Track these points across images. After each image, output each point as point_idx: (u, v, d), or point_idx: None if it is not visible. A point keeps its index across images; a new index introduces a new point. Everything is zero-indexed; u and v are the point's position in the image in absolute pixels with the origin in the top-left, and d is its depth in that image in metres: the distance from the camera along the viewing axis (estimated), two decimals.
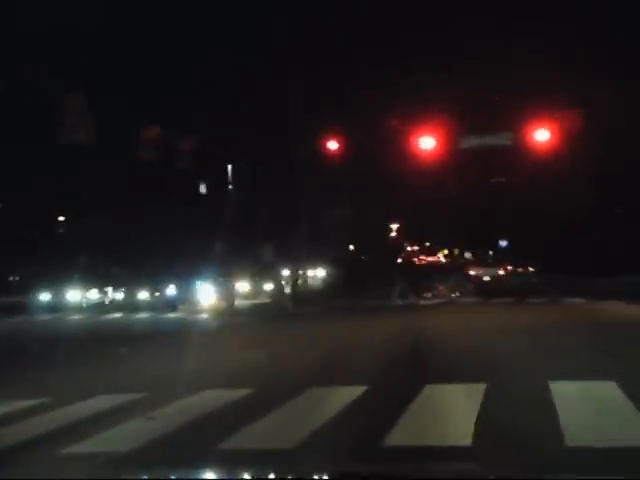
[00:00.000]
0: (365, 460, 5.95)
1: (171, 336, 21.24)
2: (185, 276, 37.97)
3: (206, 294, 36.81)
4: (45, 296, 46.14)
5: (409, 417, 7.41)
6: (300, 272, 46.90)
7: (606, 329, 16.16)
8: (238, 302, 37.30)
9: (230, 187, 31.91)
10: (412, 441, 6.49)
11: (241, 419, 7.58)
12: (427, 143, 24.36)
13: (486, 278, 49.73)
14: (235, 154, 31.37)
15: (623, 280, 27.22)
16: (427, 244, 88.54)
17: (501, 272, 52.44)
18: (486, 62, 27.82)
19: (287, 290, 40.92)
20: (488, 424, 6.92)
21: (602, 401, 7.73)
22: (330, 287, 46.32)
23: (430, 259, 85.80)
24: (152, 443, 6.90)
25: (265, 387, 9.70)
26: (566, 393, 8.15)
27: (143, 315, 34.61)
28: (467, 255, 77.80)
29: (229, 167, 31.55)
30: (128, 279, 45.77)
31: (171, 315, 33.50)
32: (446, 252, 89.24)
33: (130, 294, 44.83)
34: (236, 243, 34.65)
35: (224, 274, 37.47)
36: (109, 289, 48.07)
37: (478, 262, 60.78)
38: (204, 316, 31.49)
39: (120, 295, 46.81)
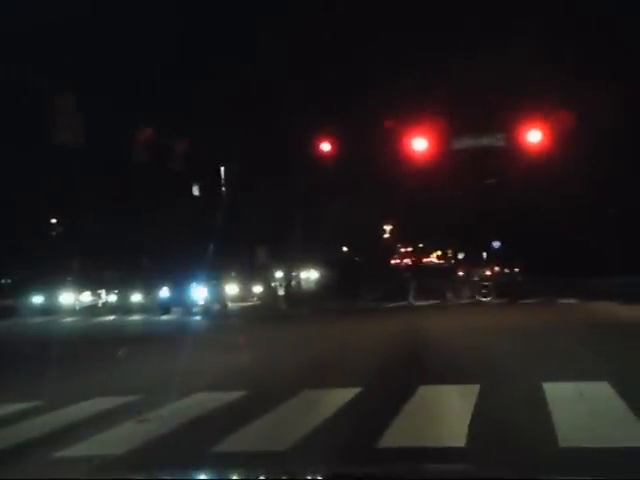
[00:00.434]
0: (359, 462, 5.95)
1: (164, 338, 21.20)
2: (178, 278, 37.91)
3: (199, 296, 36.77)
4: (38, 299, 46.05)
5: (403, 418, 7.41)
6: (293, 274, 46.92)
7: (599, 329, 16.20)
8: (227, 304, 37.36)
9: (223, 189, 31.82)
10: (406, 442, 6.49)
11: (235, 421, 7.58)
12: (420, 144, 24.38)
13: (474, 278, 52.37)
14: (228, 156, 31.32)
15: (616, 281, 27.29)
16: (421, 245, 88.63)
17: (488, 272, 55.97)
18: (479, 63, 27.91)
19: (281, 292, 40.88)
20: (482, 425, 6.93)
21: (595, 401, 7.75)
22: (323, 288, 46.34)
23: (424, 260, 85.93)
24: (146, 446, 6.88)
25: (259, 389, 9.69)
26: (559, 393, 8.17)
27: (136, 317, 34.55)
28: (460, 256, 78.00)
29: (222, 169, 31.47)
30: (121, 281, 45.72)
31: (164, 317, 33.46)
32: (439, 253, 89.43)
33: (123, 296, 44.80)
34: (229, 245, 34.62)
35: (217, 276, 37.44)
36: (102, 292, 48.01)
37: (469, 263, 64.22)
38: (197, 318, 31.46)
39: (113, 298, 46.75)
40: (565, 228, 40.11)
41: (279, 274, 45.43)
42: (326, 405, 8.29)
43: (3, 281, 51.26)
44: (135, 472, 5.37)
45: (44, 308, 43.39)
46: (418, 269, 64.04)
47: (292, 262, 45.14)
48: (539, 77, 26.19)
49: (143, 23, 27.31)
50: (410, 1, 31.41)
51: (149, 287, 42.34)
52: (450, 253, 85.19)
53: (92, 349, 17.94)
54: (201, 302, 36.06)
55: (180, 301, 37.04)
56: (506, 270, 57.43)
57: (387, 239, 78.26)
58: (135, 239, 42.80)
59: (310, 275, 54.02)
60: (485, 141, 25.18)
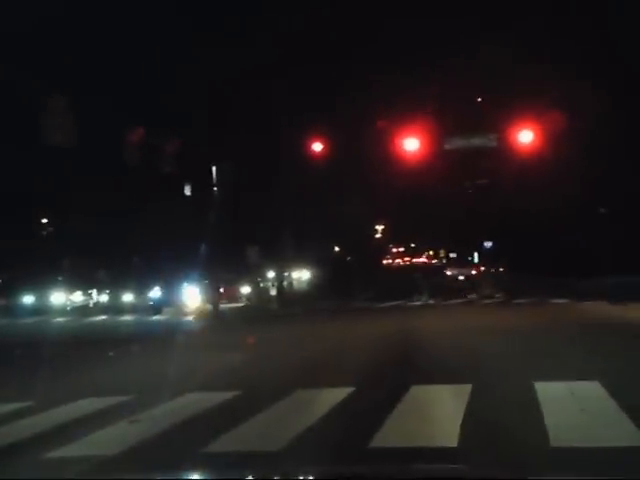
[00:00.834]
0: (351, 462, 5.96)
1: (156, 339, 21.16)
2: (170, 278, 37.87)
3: (191, 296, 36.73)
4: (29, 299, 45.92)
5: (396, 418, 7.42)
6: (285, 274, 46.88)
7: (590, 329, 16.27)
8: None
9: (215, 189, 31.77)
10: (399, 442, 6.50)
11: (227, 421, 7.58)
12: (412, 144, 24.40)
13: (460, 277, 55.93)
14: (220, 155, 31.27)
15: (607, 281, 27.39)
16: (412, 245, 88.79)
17: (473, 272, 58.98)
18: (470, 63, 27.97)
19: (273, 292, 40.87)
20: (474, 425, 6.95)
21: (586, 401, 7.78)
22: (315, 288, 46.34)
23: (415, 260, 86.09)
24: (139, 446, 6.87)
25: (252, 389, 9.69)
26: (551, 393, 8.20)
27: (128, 318, 34.48)
28: (452, 256, 78.26)
29: (214, 169, 31.43)
30: (113, 282, 45.61)
31: (156, 317, 33.39)
32: (431, 253, 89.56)
33: (115, 296, 44.73)
34: (221, 245, 34.54)
35: (209, 277, 37.38)
36: (93, 292, 47.89)
37: (456, 263, 67.75)
38: (189, 318, 31.41)
39: (105, 298, 46.64)
40: (556, 228, 40.22)
41: (271, 274, 45.39)
42: (319, 405, 8.30)
43: None
44: (127, 472, 5.36)
45: (35, 308, 43.28)
46: (408, 269, 65.41)
47: (284, 262, 45.07)
48: (530, 77, 26.25)
49: (134, 24, 27.26)
50: (402, 2, 31.44)
51: (140, 287, 42.27)
52: (443, 253, 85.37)
53: (84, 349, 17.89)
54: (192, 302, 36.02)
55: (171, 301, 37.00)
56: (492, 270, 58.67)
57: (379, 239, 78.35)
58: (127, 239, 42.67)
59: (302, 275, 54.02)
60: (477, 141, 25.22)
